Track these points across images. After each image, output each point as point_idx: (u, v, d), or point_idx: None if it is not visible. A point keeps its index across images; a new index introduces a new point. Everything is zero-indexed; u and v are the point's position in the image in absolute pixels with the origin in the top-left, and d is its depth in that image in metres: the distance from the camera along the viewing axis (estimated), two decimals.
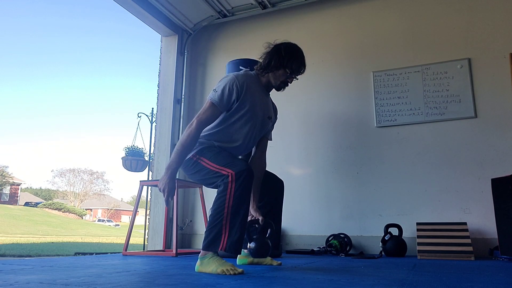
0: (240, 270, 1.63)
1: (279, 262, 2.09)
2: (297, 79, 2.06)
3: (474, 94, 3.16)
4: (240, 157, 2.08)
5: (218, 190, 1.74)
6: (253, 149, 2.16)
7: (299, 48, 2.01)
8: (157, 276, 1.56)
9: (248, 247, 1.92)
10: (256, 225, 2.00)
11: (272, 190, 2.31)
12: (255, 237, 1.94)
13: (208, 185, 1.87)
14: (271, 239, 1.98)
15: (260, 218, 1.95)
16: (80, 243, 9.03)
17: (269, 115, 2.05)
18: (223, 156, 1.81)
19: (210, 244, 1.68)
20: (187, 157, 1.86)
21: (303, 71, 2.01)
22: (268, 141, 2.19)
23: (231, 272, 1.59)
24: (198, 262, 1.72)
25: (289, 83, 2.03)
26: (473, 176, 3.04)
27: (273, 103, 2.19)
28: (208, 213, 2.92)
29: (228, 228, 1.68)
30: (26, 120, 70.98)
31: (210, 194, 3.63)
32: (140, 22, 3.94)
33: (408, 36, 3.48)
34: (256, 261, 2.08)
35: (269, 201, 2.26)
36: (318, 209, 3.48)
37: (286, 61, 1.93)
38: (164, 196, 1.76)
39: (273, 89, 2.04)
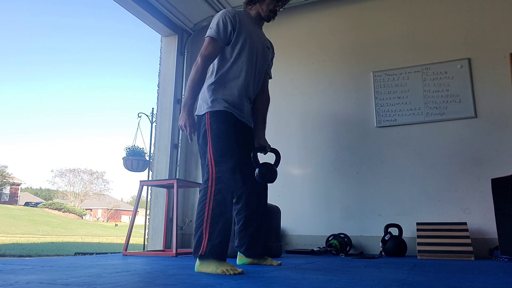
0: (240, 270, 1.63)
1: (279, 262, 2.09)
2: (284, 7, 2.12)
3: (474, 94, 3.16)
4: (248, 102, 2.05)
5: (200, 195, 1.78)
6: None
7: None
8: (157, 276, 1.56)
9: (255, 173, 1.95)
10: (262, 150, 2.05)
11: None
12: (262, 163, 1.96)
13: (201, 162, 1.91)
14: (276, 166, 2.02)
15: (267, 145, 2.04)
16: (80, 243, 9.03)
17: (267, 45, 2.12)
18: (224, 141, 1.82)
19: (195, 250, 1.72)
20: (201, 113, 1.89)
21: None
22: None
23: (231, 272, 1.59)
24: (198, 262, 1.72)
25: (277, 11, 2.09)
26: (473, 176, 3.04)
27: (268, 39, 2.23)
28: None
29: (208, 232, 1.69)
30: (26, 120, 71.00)
31: None
32: (140, 22, 3.94)
33: (408, 36, 3.48)
34: (256, 262, 2.08)
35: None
36: (318, 209, 3.48)
37: None
38: (186, 132, 1.84)
39: (264, 21, 2.11)
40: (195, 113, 1.95)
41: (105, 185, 42.44)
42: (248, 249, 2.07)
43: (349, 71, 3.64)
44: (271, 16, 2.08)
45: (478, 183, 3.01)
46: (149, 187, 3.90)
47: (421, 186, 3.18)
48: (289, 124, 3.75)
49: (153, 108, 4.18)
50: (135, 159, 3.87)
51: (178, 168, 4.02)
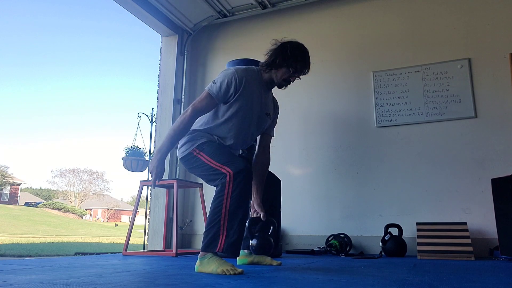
0: (239, 270, 1.63)
1: (279, 262, 2.09)
2: (300, 78, 2.06)
3: (474, 94, 3.16)
4: (241, 153, 2.06)
5: (216, 190, 1.74)
6: (257, 147, 2.15)
7: (306, 48, 2.02)
8: (157, 276, 1.56)
9: (250, 244, 1.91)
10: (258, 221, 1.99)
11: (270, 188, 2.31)
12: (257, 234, 1.92)
13: (207, 182, 1.87)
14: (273, 237, 1.97)
15: (262, 214, 1.95)
16: (80, 243, 9.02)
17: (267, 111, 2.05)
18: (223, 152, 1.81)
19: (208, 245, 1.68)
20: (187, 152, 1.86)
21: (307, 72, 2.02)
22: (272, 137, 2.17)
23: (231, 272, 1.59)
24: (198, 262, 1.72)
25: (291, 82, 2.04)
26: (473, 176, 3.04)
27: (274, 98, 2.18)
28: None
29: (226, 229, 1.67)
30: (26, 120, 71.00)
31: (210, 194, 3.63)
32: (140, 22, 3.94)
33: (408, 36, 3.48)
34: (256, 261, 2.07)
35: (268, 198, 2.27)
36: (318, 209, 3.48)
37: (291, 61, 1.94)
38: (152, 177, 1.78)
39: (275, 86, 2.05)
40: (179, 157, 1.92)
41: (105, 185, 42.51)
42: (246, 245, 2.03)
43: (349, 71, 3.64)
44: (283, 84, 2.03)
45: (478, 183, 3.01)
46: (149, 187, 3.90)
47: (421, 186, 3.18)
48: (289, 124, 3.75)
49: (153, 108, 4.18)
50: (134, 159, 3.87)
51: (178, 168, 4.02)
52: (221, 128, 1.89)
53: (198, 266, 1.71)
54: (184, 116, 1.79)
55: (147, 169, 4.05)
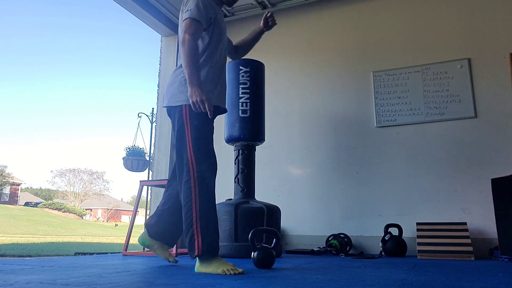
0: (240, 270, 1.63)
1: (176, 259, 2.04)
2: None
3: (474, 94, 3.16)
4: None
5: (183, 195, 1.74)
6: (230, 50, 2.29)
7: None
8: (157, 276, 1.56)
9: (252, 256, 1.89)
10: (261, 232, 1.97)
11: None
12: (259, 246, 1.90)
13: (176, 159, 1.84)
14: (275, 249, 1.96)
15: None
16: (80, 243, 9.02)
17: (225, 29, 2.10)
18: (205, 141, 1.80)
19: (189, 251, 1.71)
20: (175, 104, 1.84)
21: None
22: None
23: (232, 272, 1.59)
24: (198, 262, 1.72)
25: None
26: (473, 176, 3.04)
27: None
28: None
29: (200, 231, 1.68)
30: (26, 120, 70.98)
31: None
32: (140, 22, 3.94)
33: (408, 36, 3.48)
34: (155, 247, 2.02)
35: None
36: (318, 209, 3.48)
37: None
38: (204, 108, 1.72)
39: (224, 4, 2.08)
40: (166, 104, 1.90)
41: (105, 185, 42.50)
42: (158, 233, 2.01)
43: (349, 71, 3.64)
44: (231, 0, 2.06)
45: (478, 183, 3.01)
46: (149, 187, 3.90)
47: (421, 186, 3.18)
48: (289, 124, 3.75)
49: (153, 108, 4.18)
50: (135, 159, 3.87)
51: None
52: (209, 58, 1.88)
53: (198, 266, 1.71)
54: (187, 43, 1.74)
55: (147, 169, 4.05)
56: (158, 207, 2.09)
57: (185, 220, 1.72)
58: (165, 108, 1.95)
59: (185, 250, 3.12)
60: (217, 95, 1.92)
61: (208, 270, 1.66)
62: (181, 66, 1.88)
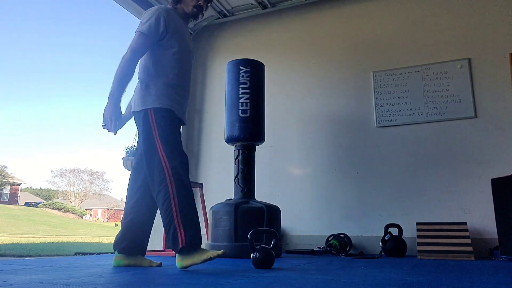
0: (220, 251, 1.69)
1: (159, 262, 2.00)
2: (211, 2, 2.11)
3: (474, 94, 3.16)
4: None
5: (160, 194, 1.76)
6: None
7: None
8: (157, 276, 1.56)
9: (251, 257, 1.89)
10: (260, 233, 1.97)
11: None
12: (258, 247, 1.91)
13: (146, 164, 1.84)
14: (274, 249, 1.96)
15: None
16: (80, 243, 9.03)
17: (192, 46, 2.11)
18: (174, 139, 1.83)
19: (173, 245, 1.72)
20: (139, 109, 1.87)
21: None
22: None
23: (214, 255, 1.65)
24: (179, 257, 1.73)
25: (203, 8, 2.06)
26: (473, 176, 3.04)
27: None
28: (209, 214, 2.92)
29: (182, 225, 1.71)
30: (26, 120, 70.97)
31: (210, 194, 3.63)
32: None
33: (408, 36, 3.48)
34: (133, 263, 1.95)
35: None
36: (318, 209, 3.48)
37: None
38: (110, 124, 1.78)
39: (190, 18, 2.08)
40: (132, 110, 1.94)
41: (105, 185, 42.54)
42: (128, 247, 1.94)
43: (349, 71, 3.63)
44: (196, 13, 2.06)
45: (478, 183, 3.01)
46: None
47: (421, 186, 3.18)
48: (289, 124, 3.75)
49: None
50: (134, 159, 3.87)
51: None
52: (171, 67, 1.91)
53: (180, 262, 1.72)
54: (125, 58, 1.82)
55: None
56: (121, 223, 2.05)
57: (166, 217, 1.74)
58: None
59: None
60: (179, 104, 1.95)
61: (191, 261, 1.68)
62: (149, 71, 1.93)
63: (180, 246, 1.69)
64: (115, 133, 1.82)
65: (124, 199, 2.11)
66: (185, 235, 1.70)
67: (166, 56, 1.92)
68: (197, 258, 1.67)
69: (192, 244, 1.70)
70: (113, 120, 1.78)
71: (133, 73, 1.86)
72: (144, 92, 1.89)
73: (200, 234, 1.76)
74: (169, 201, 1.73)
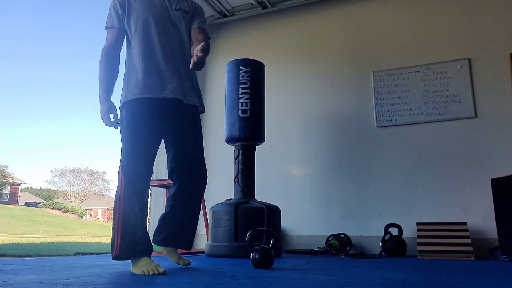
0: (162, 270, 1.61)
1: (188, 261, 1.97)
2: None
3: (474, 94, 3.16)
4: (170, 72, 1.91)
5: (115, 195, 1.78)
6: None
7: None
8: (157, 276, 1.56)
9: (250, 257, 1.89)
10: (258, 233, 1.97)
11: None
12: (258, 247, 1.91)
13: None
14: (274, 249, 1.96)
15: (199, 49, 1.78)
16: (80, 243, 9.02)
17: (177, 7, 1.94)
18: (133, 144, 1.77)
19: (112, 251, 1.71)
20: (120, 104, 1.86)
21: None
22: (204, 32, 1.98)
23: (151, 273, 1.58)
24: (132, 263, 1.72)
25: None
26: (473, 176, 3.04)
27: (193, 1, 2.06)
28: (209, 213, 2.91)
29: (120, 233, 1.69)
30: (26, 120, 70.98)
31: (210, 194, 3.62)
32: None
33: (408, 36, 3.48)
34: (165, 252, 1.93)
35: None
36: (318, 209, 3.48)
37: None
38: (109, 122, 1.82)
39: None
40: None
41: (105, 185, 42.38)
42: (165, 239, 1.91)
43: (349, 71, 3.64)
44: None
45: (478, 183, 3.01)
46: (149, 187, 3.89)
47: (421, 186, 3.18)
48: (289, 124, 3.75)
49: None
50: None
51: None
52: (137, 50, 1.85)
53: (131, 267, 1.71)
54: (100, 59, 1.84)
55: None
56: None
57: (113, 220, 1.74)
58: None
59: (185, 250, 3.11)
60: (174, 88, 1.85)
61: (134, 270, 1.67)
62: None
63: (113, 254, 1.69)
64: (116, 128, 1.85)
65: None
66: (120, 244, 1.67)
67: (130, 39, 1.88)
68: (137, 269, 1.64)
69: (125, 253, 1.68)
70: (109, 118, 1.82)
71: (115, 71, 1.85)
72: (122, 86, 1.89)
73: (139, 243, 1.69)
74: (115, 206, 1.73)
